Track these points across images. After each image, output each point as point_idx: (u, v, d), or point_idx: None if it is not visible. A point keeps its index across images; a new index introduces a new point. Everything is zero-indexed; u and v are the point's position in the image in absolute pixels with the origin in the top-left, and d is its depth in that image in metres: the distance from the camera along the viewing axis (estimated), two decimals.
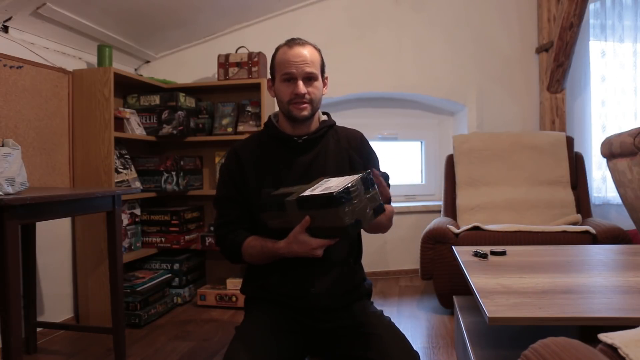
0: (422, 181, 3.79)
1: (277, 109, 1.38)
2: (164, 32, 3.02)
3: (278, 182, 1.27)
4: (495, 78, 3.44)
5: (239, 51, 3.02)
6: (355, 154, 1.35)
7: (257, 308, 1.27)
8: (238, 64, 2.93)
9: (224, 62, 2.95)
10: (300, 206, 1.07)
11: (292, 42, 1.28)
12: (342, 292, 1.28)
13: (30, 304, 2.09)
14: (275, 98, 1.33)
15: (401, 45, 3.39)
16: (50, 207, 1.64)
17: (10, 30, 2.17)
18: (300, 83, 1.25)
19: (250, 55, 2.91)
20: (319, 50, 1.32)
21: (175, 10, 2.78)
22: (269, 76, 1.36)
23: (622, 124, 3.37)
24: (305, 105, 1.26)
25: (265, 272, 1.28)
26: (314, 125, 1.34)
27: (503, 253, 1.78)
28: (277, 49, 1.31)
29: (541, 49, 3.33)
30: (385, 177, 1.41)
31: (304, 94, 1.25)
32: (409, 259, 3.43)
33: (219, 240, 1.32)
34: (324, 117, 1.39)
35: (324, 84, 1.34)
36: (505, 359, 1.39)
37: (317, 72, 1.28)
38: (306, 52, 1.26)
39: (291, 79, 1.25)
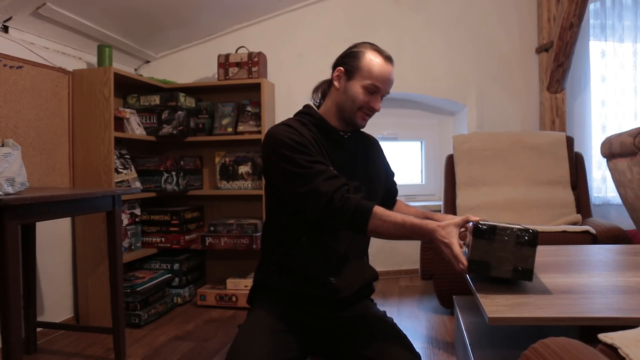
0: (422, 181, 3.79)
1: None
2: (164, 32, 3.02)
3: None
4: (495, 78, 3.44)
5: (239, 51, 3.02)
6: (379, 157, 1.46)
7: (260, 306, 1.27)
8: (238, 64, 2.93)
9: (224, 62, 2.95)
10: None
11: (387, 58, 1.29)
12: (358, 286, 1.29)
13: (30, 304, 2.09)
14: (334, 92, 1.31)
15: (401, 45, 3.39)
16: (50, 207, 1.64)
17: (10, 30, 2.17)
18: (379, 100, 1.30)
19: (250, 55, 2.91)
20: None
21: (175, 9, 2.78)
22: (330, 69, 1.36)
23: (622, 124, 3.37)
24: (369, 117, 1.32)
25: (287, 253, 1.26)
26: None
27: None
28: (366, 49, 1.28)
29: (541, 49, 3.33)
30: (391, 174, 1.51)
31: (377, 110, 1.30)
32: (409, 259, 3.43)
33: (338, 201, 1.12)
34: None
35: None
36: (505, 359, 1.39)
37: None
38: (393, 73, 1.30)
39: (375, 92, 1.28)
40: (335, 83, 1.31)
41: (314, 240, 1.25)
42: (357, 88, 1.27)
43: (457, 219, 1.13)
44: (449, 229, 1.10)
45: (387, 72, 1.27)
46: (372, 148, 1.44)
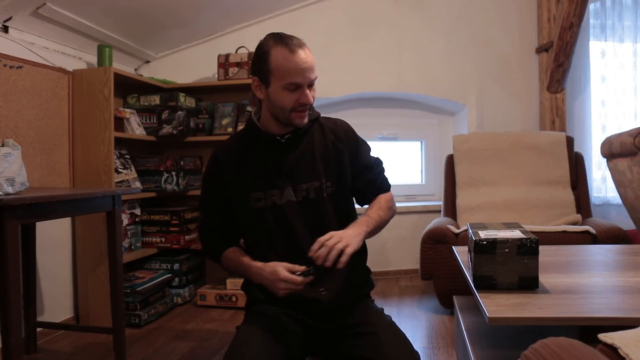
0: (422, 181, 3.79)
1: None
2: (164, 32, 3.02)
3: (265, 184, 1.26)
4: (495, 78, 3.44)
5: (239, 51, 3.02)
6: (342, 145, 1.30)
7: (259, 308, 1.26)
8: (238, 64, 2.93)
9: (224, 62, 2.95)
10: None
11: (291, 45, 1.16)
12: (351, 289, 1.27)
13: (30, 304, 2.09)
14: (263, 99, 1.24)
15: (401, 45, 3.39)
16: (50, 207, 1.64)
17: (10, 30, 2.17)
18: (308, 92, 1.19)
19: (250, 55, 2.91)
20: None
21: (175, 10, 2.78)
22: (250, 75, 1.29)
23: (622, 124, 3.37)
24: (306, 112, 1.23)
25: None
26: None
27: None
28: (270, 48, 1.18)
29: (541, 49, 3.33)
30: (378, 162, 1.38)
31: (310, 103, 1.21)
32: (409, 259, 3.43)
33: (201, 242, 1.39)
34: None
35: None
36: (505, 359, 1.39)
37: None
38: (308, 57, 1.18)
39: (297, 88, 1.18)
40: (257, 94, 1.24)
41: (293, 259, 1.21)
42: (278, 93, 1.18)
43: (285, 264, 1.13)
44: (272, 268, 1.13)
45: (300, 62, 1.16)
46: (337, 139, 1.31)
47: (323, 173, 1.27)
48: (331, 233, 1.12)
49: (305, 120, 1.24)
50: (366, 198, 1.35)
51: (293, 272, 1.10)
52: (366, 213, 1.28)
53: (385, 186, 1.37)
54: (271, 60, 1.17)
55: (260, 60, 1.20)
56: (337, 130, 1.33)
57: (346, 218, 1.31)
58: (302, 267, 1.08)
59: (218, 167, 1.30)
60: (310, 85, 1.21)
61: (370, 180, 1.33)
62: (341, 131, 1.33)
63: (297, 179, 1.26)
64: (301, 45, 1.19)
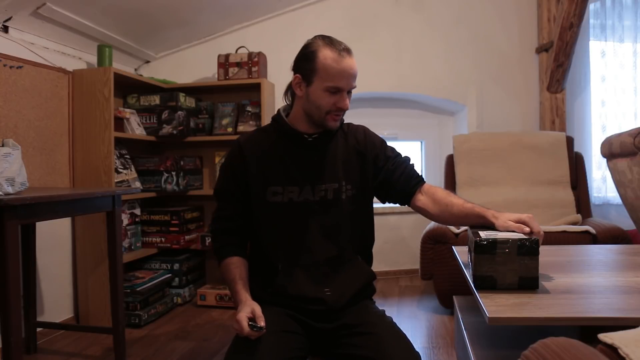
0: None
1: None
2: (164, 32, 3.02)
3: (285, 180, 1.26)
4: (495, 78, 3.44)
5: (239, 51, 3.02)
6: (363, 150, 1.33)
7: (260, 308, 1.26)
8: (238, 64, 2.93)
9: (224, 62, 2.95)
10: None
11: (341, 49, 1.19)
12: (355, 290, 1.28)
13: (30, 304, 2.09)
14: (300, 97, 1.26)
15: (401, 45, 3.39)
16: (50, 207, 1.64)
17: (10, 30, 2.17)
18: (346, 98, 1.22)
19: (250, 55, 2.91)
20: None
21: (175, 10, 2.78)
22: (280, 72, 1.32)
23: (622, 124, 3.37)
24: (341, 117, 1.26)
25: (273, 275, 1.26)
26: None
27: None
28: (319, 49, 1.20)
29: (541, 49, 3.33)
30: (407, 160, 1.40)
31: (346, 109, 1.24)
32: (409, 259, 3.43)
33: (212, 234, 1.34)
34: None
35: None
36: (505, 359, 1.39)
37: None
38: (354, 65, 1.21)
39: (338, 92, 1.21)
40: (297, 91, 1.26)
41: (290, 265, 1.24)
42: (318, 93, 1.21)
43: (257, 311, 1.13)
44: (243, 307, 1.13)
45: (345, 67, 1.19)
46: (358, 143, 1.34)
47: (343, 176, 1.29)
48: (520, 217, 1.22)
49: (338, 124, 1.27)
50: (410, 191, 1.34)
51: (254, 320, 1.09)
52: (466, 202, 1.29)
53: (420, 177, 1.38)
54: (318, 60, 1.19)
55: (306, 59, 1.22)
56: (358, 136, 1.36)
57: (363, 222, 1.33)
58: (262, 323, 1.09)
59: (241, 155, 1.29)
60: (349, 92, 1.24)
61: (403, 170, 1.34)
62: (362, 136, 1.36)
63: (318, 179, 1.27)
64: (349, 51, 1.21)
